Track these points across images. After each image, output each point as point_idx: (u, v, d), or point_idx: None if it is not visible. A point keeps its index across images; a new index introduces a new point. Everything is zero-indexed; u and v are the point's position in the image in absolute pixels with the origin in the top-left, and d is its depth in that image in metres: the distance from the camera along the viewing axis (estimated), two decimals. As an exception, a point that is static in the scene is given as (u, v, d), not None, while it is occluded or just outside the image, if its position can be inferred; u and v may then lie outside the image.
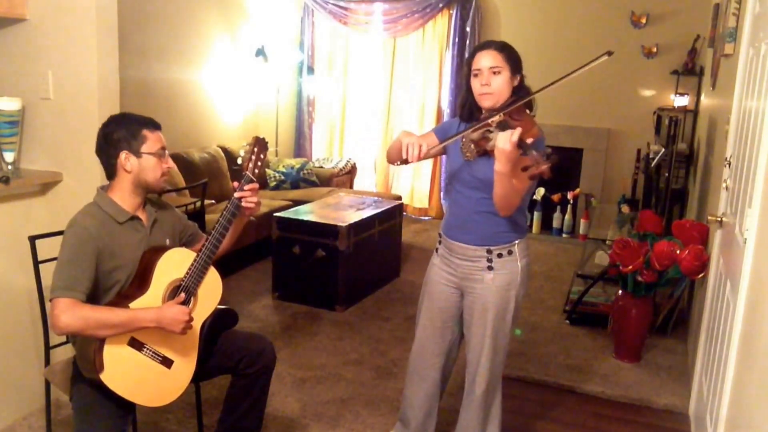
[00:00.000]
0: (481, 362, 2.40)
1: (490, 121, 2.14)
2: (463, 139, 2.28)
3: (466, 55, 6.51)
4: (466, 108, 2.34)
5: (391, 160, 2.41)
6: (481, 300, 2.36)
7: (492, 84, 2.22)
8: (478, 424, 2.49)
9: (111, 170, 2.13)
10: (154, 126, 2.16)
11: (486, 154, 2.20)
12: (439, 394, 2.59)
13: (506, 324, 2.38)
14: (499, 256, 2.32)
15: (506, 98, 2.24)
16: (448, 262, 2.43)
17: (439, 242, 2.48)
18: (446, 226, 2.44)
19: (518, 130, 2.00)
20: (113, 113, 2.78)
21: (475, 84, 2.26)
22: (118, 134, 2.09)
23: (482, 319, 2.36)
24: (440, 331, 2.50)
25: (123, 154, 2.09)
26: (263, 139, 2.29)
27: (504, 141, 2.00)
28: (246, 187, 2.20)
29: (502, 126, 2.10)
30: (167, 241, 2.25)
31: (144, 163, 2.11)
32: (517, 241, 2.35)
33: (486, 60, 2.23)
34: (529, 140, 2.04)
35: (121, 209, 2.12)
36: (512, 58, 2.26)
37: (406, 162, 2.21)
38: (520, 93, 2.26)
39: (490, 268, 2.33)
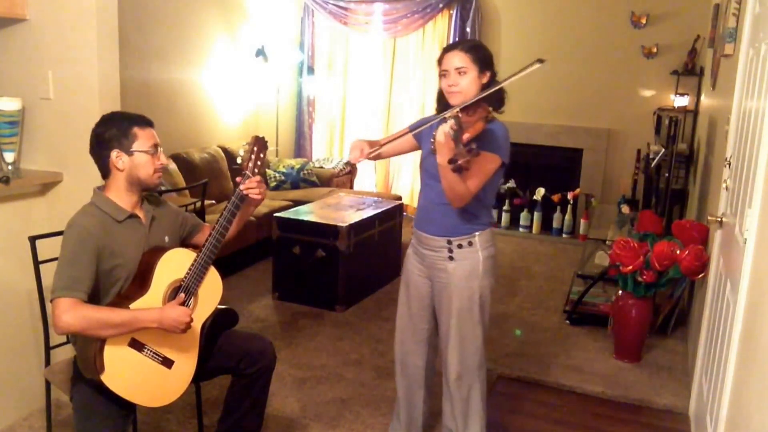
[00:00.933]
0: (448, 350, 2.48)
1: (447, 116, 2.23)
2: (434, 133, 2.36)
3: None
4: (442, 103, 2.44)
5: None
6: (446, 290, 2.44)
7: (459, 84, 2.31)
8: (459, 415, 2.54)
9: (104, 169, 2.14)
10: (145, 123, 2.15)
11: None
12: (423, 384, 2.65)
13: (473, 315, 2.43)
14: (459, 246, 2.40)
15: (474, 95, 2.32)
16: (417, 252, 2.53)
17: (413, 233, 2.58)
18: (415, 217, 2.54)
19: (450, 123, 2.08)
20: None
21: (444, 83, 2.36)
22: (109, 133, 2.10)
23: (447, 307, 2.44)
24: (416, 319, 2.58)
25: (114, 153, 2.10)
26: (263, 138, 2.29)
27: (440, 134, 2.10)
28: (248, 180, 2.22)
29: (456, 122, 2.19)
30: (166, 239, 2.25)
31: (136, 161, 2.11)
32: (477, 233, 2.40)
33: (452, 60, 2.31)
34: (466, 135, 2.08)
35: (119, 207, 2.12)
36: (480, 58, 2.33)
37: (348, 164, 2.37)
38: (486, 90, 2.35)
39: (451, 258, 2.41)
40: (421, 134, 2.47)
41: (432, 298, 2.53)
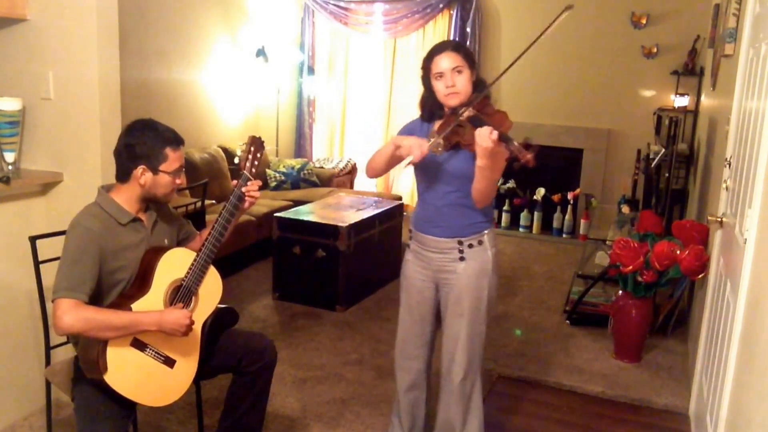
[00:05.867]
0: (457, 351, 2.45)
1: (462, 117, 2.23)
2: (430, 136, 2.37)
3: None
4: (427, 108, 2.40)
5: (376, 171, 2.47)
6: (455, 290, 2.41)
7: (457, 84, 2.28)
8: (458, 416, 2.52)
9: (124, 177, 2.13)
10: (178, 143, 2.15)
11: (454, 148, 2.28)
12: (424, 385, 2.64)
13: (481, 313, 2.43)
14: (470, 246, 2.38)
15: (469, 94, 2.30)
16: (420, 256, 2.48)
17: (410, 237, 2.54)
18: (417, 220, 2.48)
19: (488, 127, 2.08)
20: (114, 113, 2.82)
21: (440, 86, 2.30)
22: (142, 149, 2.08)
23: (457, 308, 2.42)
24: (419, 324, 2.54)
25: (140, 169, 2.09)
26: (259, 138, 2.30)
27: (484, 138, 2.07)
28: (250, 183, 2.22)
29: (474, 121, 2.19)
30: (165, 242, 2.26)
31: (159, 180, 2.12)
32: (486, 231, 2.40)
33: (446, 61, 2.27)
34: (508, 133, 2.11)
35: (123, 210, 2.12)
36: (468, 56, 2.32)
37: (412, 163, 2.22)
38: (479, 87, 2.33)
39: (461, 258, 2.38)
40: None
41: (435, 301, 2.50)
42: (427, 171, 2.39)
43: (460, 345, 2.43)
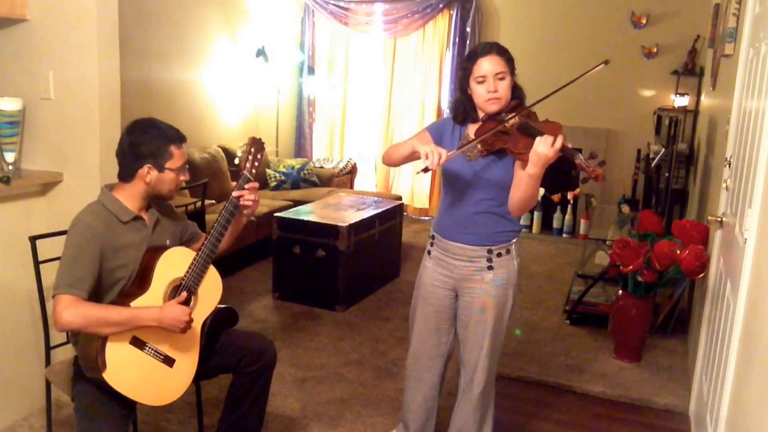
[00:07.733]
0: (480, 362, 2.40)
1: (508, 125, 2.15)
2: (463, 141, 2.29)
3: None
4: (461, 111, 2.31)
5: (393, 161, 2.38)
6: (480, 300, 2.35)
7: (499, 90, 2.19)
8: (474, 424, 2.49)
9: (128, 176, 2.13)
10: (182, 140, 2.15)
11: (496, 154, 2.20)
12: (437, 395, 2.58)
13: (504, 322, 2.40)
14: (499, 255, 2.33)
15: (509, 100, 2.23)
16: (443, 263, 2.40)
17: (431, 244, 2.45)
18: (442, 226, 2.40)
19: (560, 138, 2.00)
20: (114, 113, 2.82)
21: (480, 90, 2.20)
22: (147, 148, 2.09)
23: (482, 318, 2.36)
24: (435, 334, 2.47)
25: (146, 168, 2.10)
26: (259, 139, 2.30)
27: (545, 147, 2.00)
28: (245, 186, 2.22)
29: (524, 128, 2.11)
30: (167, 242, 2.25)
31: (164, 177, 2.13)
32: (514, 240, 2.36)
33: (490, 66, 2.18)
34: (567, 144, 2.03)
35: (125, 209, 2.13)
36: (510, 61, 2.24)
37: (426, 170, 2.10)
38: (516, 92, 2.26)
39: (490, 267, 2.33)
40: (443, 141, 2.30)
41: (454, 309, 2.44)
42: (460, 177, 2.30)
43: (483, 356, 2.38)
